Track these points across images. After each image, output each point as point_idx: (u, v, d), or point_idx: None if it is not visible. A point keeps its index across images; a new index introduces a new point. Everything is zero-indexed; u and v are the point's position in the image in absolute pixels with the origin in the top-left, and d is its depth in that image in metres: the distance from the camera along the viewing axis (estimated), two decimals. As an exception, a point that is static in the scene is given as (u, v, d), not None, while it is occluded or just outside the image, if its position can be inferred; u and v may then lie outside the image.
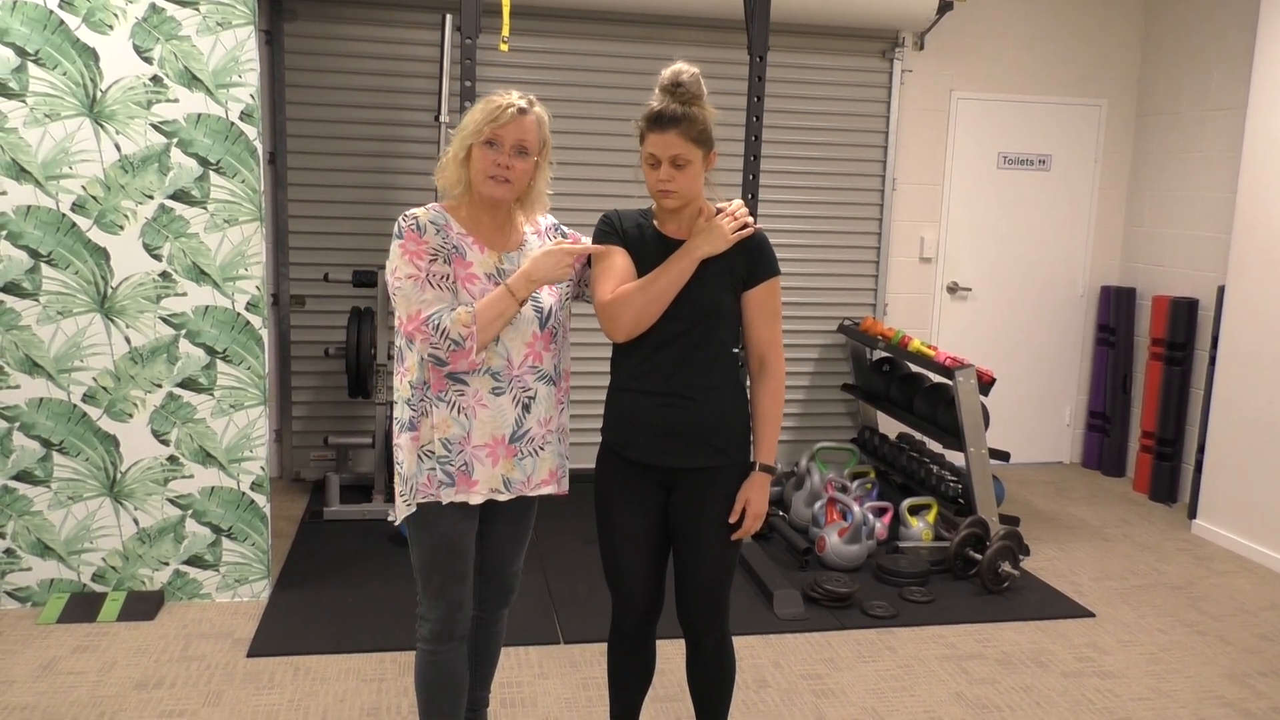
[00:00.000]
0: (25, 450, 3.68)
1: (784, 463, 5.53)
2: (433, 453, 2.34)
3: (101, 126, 3.57)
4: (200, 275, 3.69)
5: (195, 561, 3.85)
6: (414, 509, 2.37)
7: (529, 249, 2.43)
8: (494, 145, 2.30)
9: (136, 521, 3.78)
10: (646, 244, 2.39)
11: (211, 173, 3.65)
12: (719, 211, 2.40)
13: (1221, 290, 5.10)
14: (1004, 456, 4.76)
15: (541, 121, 2.37)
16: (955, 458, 5.15)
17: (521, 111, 2.31)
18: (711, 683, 2.56)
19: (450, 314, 2.24)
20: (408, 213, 2.35)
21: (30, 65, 3.50)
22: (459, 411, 2.33)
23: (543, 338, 2.38)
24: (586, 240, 2.52)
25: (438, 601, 2.41)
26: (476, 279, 2.32)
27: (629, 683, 2.63)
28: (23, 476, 3.70)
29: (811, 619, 3.89)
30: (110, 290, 3.65)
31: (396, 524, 2.43)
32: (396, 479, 2.40)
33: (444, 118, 4.54)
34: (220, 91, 3.62)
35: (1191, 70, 5.65)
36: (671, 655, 3.35)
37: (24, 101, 3.51)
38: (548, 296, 2.40)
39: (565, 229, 2.56)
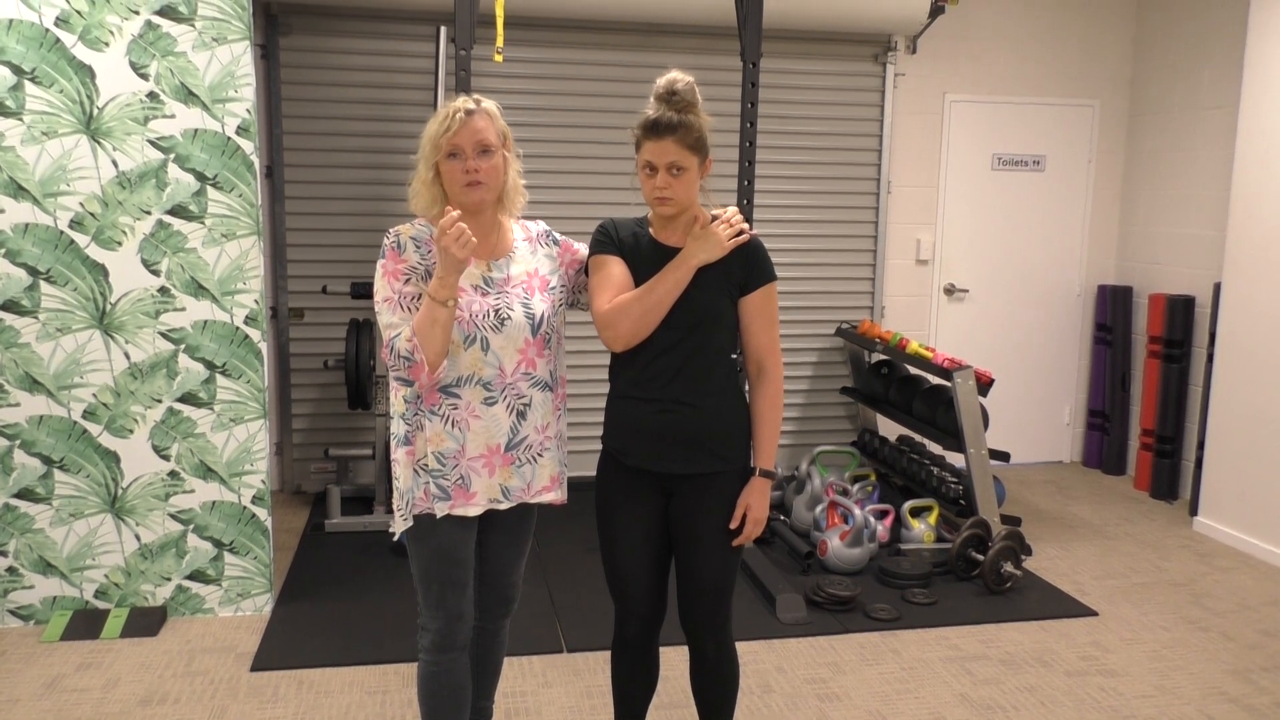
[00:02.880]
0: (26, 468, 3.69)
1: (785, 467, 5.54)
2: (427, 466, 2.35)
3: (98, 143, 3.58)
4: (199, 290, 3.70)
5: (197, 576, 3.85)
6: (410, 522, 2.37)
7: (519, 255, 2.44)
8: (456, 155, 2.30)
9: (138, 537, 3.78)
10: (643, 252, 2.40)
11: (209, 187, 3.66)
12: (714, 218, 2.41)
13: (1218, 287, 5.11)
14: (1004, 457, 4.77)
15: (493, 115, 2.36)
16: (956, 459, 5.15)
17: (469, 113, 2.30)
18: (715, 689, 2.56)
19: (400, 334, 2.25)
20: (392, 229, 2.36)
21: (27, 83, 3.51)
22: (452, 425, 2.34)
23: (535, 344, 2.38)
24: (581, 247, 2.53)
25: (438, 611, 2.41)
26: (463, 291, 2.31)
27: (633, 691, 2.63)
28: (24, 494, 3.70)
29: (814, 623, 3.90)
30: (109, 306, 3.66)
31: (395, 537, 2.44)
32: (394, 493, 2.41)
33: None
34: (217, 106, 3.63)
35: (1183, 69, 5.67)
36: (675, 662, 3.35)
37: (21, 120, 3.53)
38: (540, 303, 2.40)
39: (558, 236, 2.56)
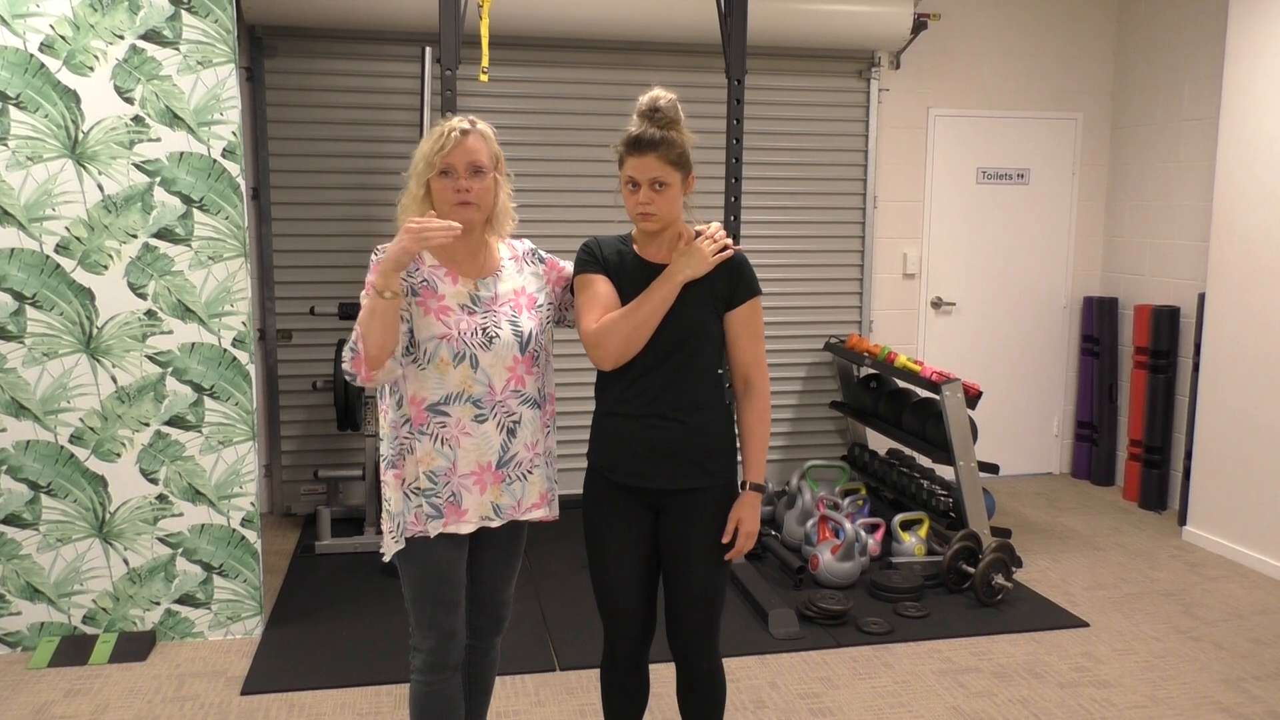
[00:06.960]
0: (13, 493, 3.66)
1: (775, 481, 5.54)
2: (419, 489, 2.34)
3: (84, 167, 3.58)
4: (186, 312, 3.70)
5: (187, 600, 3.82)
6: (401, 544, 2.37)
7: (505, 274, 2.45)
8: (449, 173, 2.32)
9: (126, 561, 3.76)
10: (628, 269, 2.42)
11: (195, 210, 3.66)
12: (698, 234, 2.43)
13: (1202, 297, 5.15)
14: (993, 469, 4.78)
15: (487, 137, 2.38)
16: (945, 472, 5.16)
17: (464, 133, 2.32)
18: (704, 707, 2.55)
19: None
20: (379, 246, 2.37)
21: (11, 108, 3.51)
22: (442, 443, 2.34)
23: (524, 361, 2.39)
24: (567, 265, 2.54)
25: (430, 631, 2.41)
26: (450, 310, 2.33)
27: (624, 709, 2.62)
28: (11, 520, 3.68)
29: (807, 637, 3.89)
30: (96, 330, 3.65)
31: (387, 559, 2.43)
32: (384, 515, 2.40)
33: (426, 149, 4.57)
34: (202, 129, 3.64)
35: (1164, 82, 5.73)
36: (667, 679, 3.34)
37: (6, 144, 3.52)
38: (528, 320, 2.41)
39: (543, 254, 2.57)
